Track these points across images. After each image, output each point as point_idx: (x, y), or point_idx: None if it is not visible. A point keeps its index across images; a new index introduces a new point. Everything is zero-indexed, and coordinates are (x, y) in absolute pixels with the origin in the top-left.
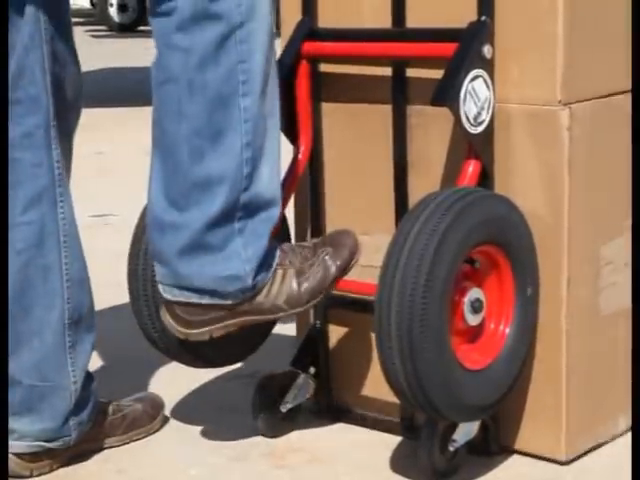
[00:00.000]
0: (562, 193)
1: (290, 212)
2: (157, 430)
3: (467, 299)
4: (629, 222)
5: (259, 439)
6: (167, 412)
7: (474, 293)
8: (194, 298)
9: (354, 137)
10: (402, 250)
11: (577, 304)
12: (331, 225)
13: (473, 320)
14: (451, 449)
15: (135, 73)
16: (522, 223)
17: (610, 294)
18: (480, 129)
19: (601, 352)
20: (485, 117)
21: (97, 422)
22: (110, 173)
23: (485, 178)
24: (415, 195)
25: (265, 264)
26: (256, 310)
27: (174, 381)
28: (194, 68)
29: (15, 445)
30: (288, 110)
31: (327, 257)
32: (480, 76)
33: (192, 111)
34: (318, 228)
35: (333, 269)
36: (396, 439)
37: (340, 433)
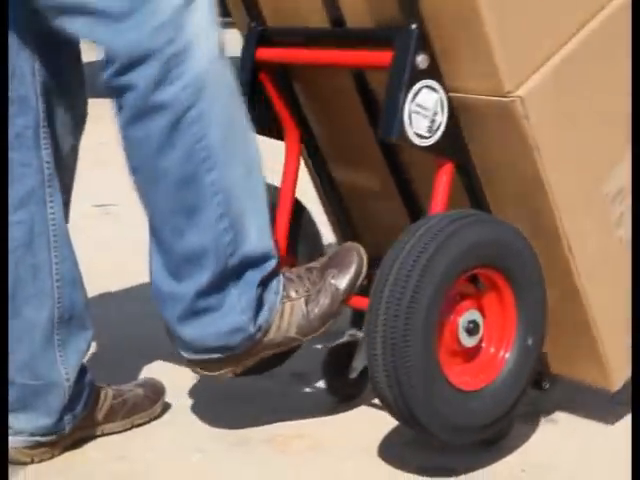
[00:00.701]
0: (539, 172)
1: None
2: (158, 415)
3: (462, 320)
4: (627, 147)
5: (260, 425)
6: (168, 399)
7: (470, 315)
8: (206, 356)
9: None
10: (390, 270)
11: (592, 256)
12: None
13: (468, 342)
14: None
15: None
16: (524, 247)
17: (626, 218)
18: (439, 133)
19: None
20: (441, 119)
21: (95, 407)
22: (111, 163)
23: (468, 177)
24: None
25: (264, 306)
26: (270, 346)
27: (175, 368)
28: (152, 157)
29: (11, 440)
30: (267, 114)
31: (333, 281)
32: (421, 87)
33: (161, 196)
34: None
35: (340, 291)
36: (399, 426)
37: (342, 419)
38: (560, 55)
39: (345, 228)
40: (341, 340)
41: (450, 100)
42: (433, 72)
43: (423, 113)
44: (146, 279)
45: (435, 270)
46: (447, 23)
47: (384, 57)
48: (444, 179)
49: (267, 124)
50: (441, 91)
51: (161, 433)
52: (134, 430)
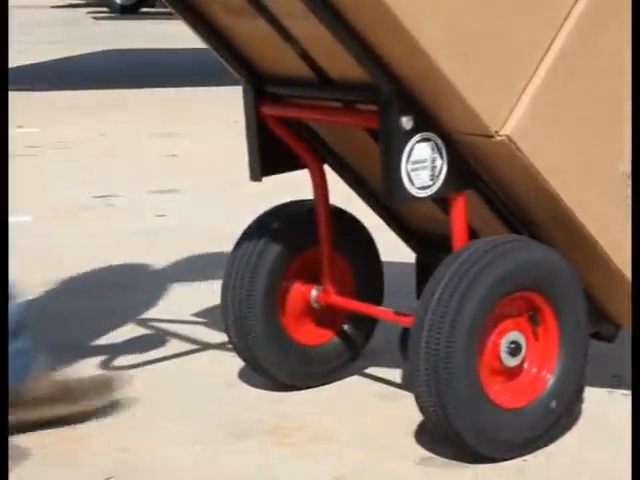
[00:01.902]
0: (550, 189)
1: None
2: (161, 409)
3: (504, 341)
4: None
5: (262, 417)
6: (171, 390)
7: (512, 336)
8: None
9: None
10: (434, 293)
11: (614, 233)
12: None
13: (510, 361)
14: None
15: (136, 55)
16: (564, 269)
17: None
18: (442, 176)
19: None
20: (440, 162)
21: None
22: (112, 154)
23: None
24: None
25: None
26: None
27: (176, 360)
28: None
29: None
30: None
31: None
32: (413, 145)
33: None
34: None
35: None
36: (401, 417)
37: (343, 410)
38: (534, 84)
39: (390, 217)
40: None
41: (447, 139)
42: (421, 125)
43: (422, 166)
44: (150, 269)
45: (475, 294)
46: (422, 84)
47: (372, 118)
48: (458, 211)
49: (284, 161)
50: (434, 137)
51: (163, 425)
52: (136, 422)
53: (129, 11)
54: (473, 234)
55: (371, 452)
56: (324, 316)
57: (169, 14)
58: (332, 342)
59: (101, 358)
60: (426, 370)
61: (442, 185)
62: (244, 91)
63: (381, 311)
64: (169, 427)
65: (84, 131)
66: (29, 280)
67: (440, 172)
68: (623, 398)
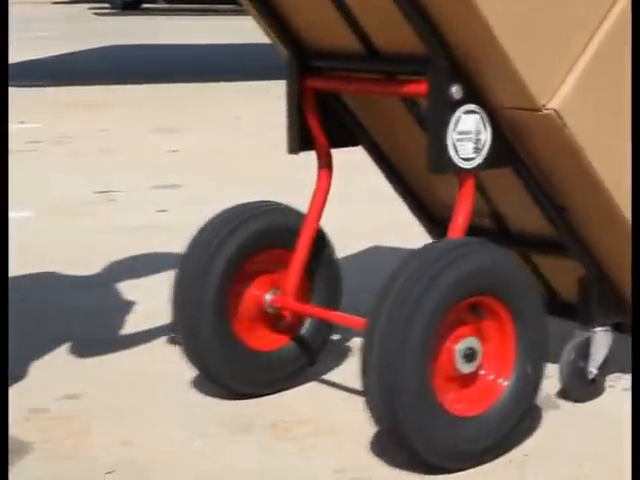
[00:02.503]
0: (587, 167)
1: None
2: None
3: (459, 347)
4: None
5: (263, 411)
6: (171, 385)
7: (468, 342)
8: None
9: None
10: (388, 296)
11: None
12: None
13: (465, 368)
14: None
15: (138, 51)
16: (521, 275)
17: None
18: (485, 150)
19: None
20: (485, 136)
21: None
22: (114, 150)
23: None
24: None
25: None
26: None
27: (178, 354)
28: None
29: None
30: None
31: None
32: (460, 116)
33: None
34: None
35: None
36: None
37: (344, 405)
38: (582, 61)
39: (416, 205)
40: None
41: (491, 114)
42: (469, 96)
43: (467, 137)
44: (152, 265)
45: (429, 299)
46: (474, 54)
47: (420, 87)
48: (467, 193)
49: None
50: (480, 110)
51: (165, 419)
52: (138, 416)
53: (130, 7)
54: (501, 220)
55: (372, 446)
56: (279, 321)
57: (170, 10)
58: (287, 347)
59: (102, 352)
60: (378, 377)
61: (485, 159)
62: (288, 65)
63: (335, 315)
64: (171, 421)
65: (85, 127)
66: (30, 275)
67: (484, 145)
68: (624, 393)
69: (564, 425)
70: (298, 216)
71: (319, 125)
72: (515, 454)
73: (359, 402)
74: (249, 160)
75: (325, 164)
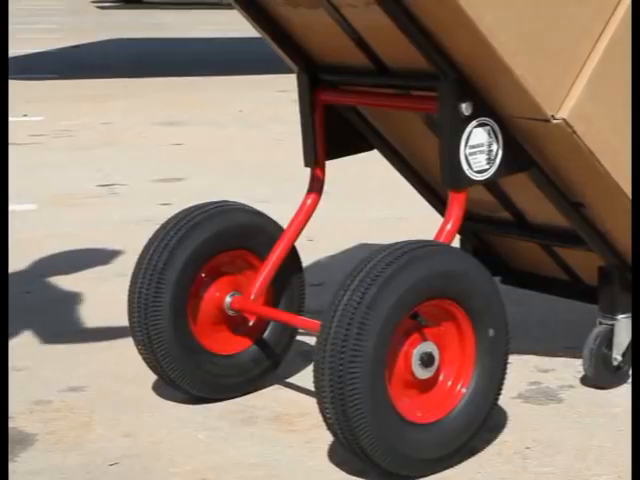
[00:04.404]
0: (599, 168)
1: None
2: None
3: (416, 352)
4: None
5: (266, 404)
6: None
7: (424, 347)
8: None
9: None
10: (342, 297)
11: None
12: None
13: (422, 374)
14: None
15: (141, 44)
16: (483, 278)
17: None
18: (498, 160)
19: None
20: (496, 147)
21: None
22: (116, 143)
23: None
24: None
25: None
26: None
27: None
28: None
29: None
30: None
31: None
32: (471, 130)
33: None
34: None
35: None
36: None
37: None
38: (588, 68)
39: (437, 200)
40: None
41: (502, 124)
42: (479, 110)
43: (479, 150)
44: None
45: (385, 302)
46: (480, 71)
47: (430, 104)
48: (459, 200)
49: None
50: (490, 122)
51: (168, 411)
52: (141, 408)
53: (133, 0)
54: (520, 214)
55: None
56: (240, 324)
57: (173, 4)
58: (249, 351)
59: (104, 344)
60: (330, 383)
61: (498, 169)
62: (299, 79)
63: (294, 318)
64: (174, 413)
65: (88, 120)
66: (33, 267)
67: (496, 156)
68: (625, 386)
69: (565, 418)
70: (256, 215)
71: (322, 141)
72: (517, 447)
73: None
74: (252, 153)
75: (316, 181)
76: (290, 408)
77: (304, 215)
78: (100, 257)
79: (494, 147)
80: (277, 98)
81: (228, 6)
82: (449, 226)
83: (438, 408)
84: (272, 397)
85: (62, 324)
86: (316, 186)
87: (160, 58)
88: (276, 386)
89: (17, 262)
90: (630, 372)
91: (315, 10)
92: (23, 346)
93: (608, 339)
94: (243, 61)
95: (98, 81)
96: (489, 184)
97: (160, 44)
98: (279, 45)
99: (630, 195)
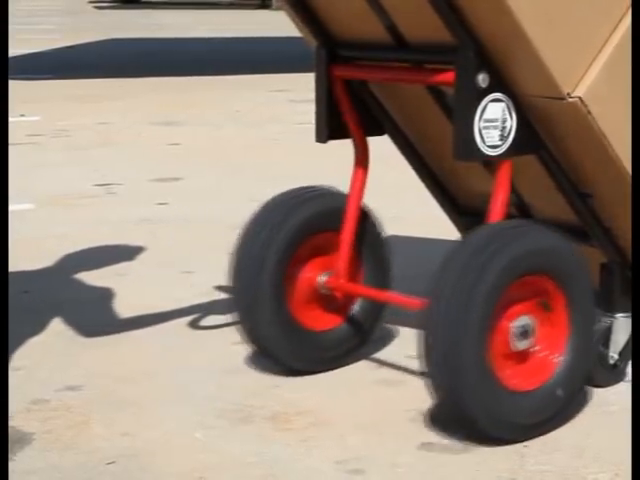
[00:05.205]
0: (609, 152)
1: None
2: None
3: (515, 325)
4: None
5: (263, 403)
6: (171, 376)
7: (523, 320)
8: None
9: None
10: (445, 280)
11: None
12: None
13: (520, 345)
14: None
15: (138, 44)
16: (574, 254)
17: None
18: (511, 137)
19: None
20: (510, 124)
21: None
22: (114, 143)
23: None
24: None
25: None
26: None
27: (178, 346)
28: None
29: None
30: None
31: None
32: (486, 104)
33: None
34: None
35: None
36: (400, 402)
37: (344, 396)
38: (606, 50)
39: (440, 192)
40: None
41: (517, 102)
42: (495, 84)
43: (493, 125)
44: (152, 257)
45: (486, 280)
46: (501, 44)
47: (447, 76)
48: (503, 179)
49: (341, 128)
50: (506, 98)
51: (165, 410)
52: (138, 407)
53: (130, 0)
54: (526, 209)
55: (372, 437)
56: (332, 302)
57: (170, 3)
58: (341, 328)
59: (101, 344)
60: (438, 355)
61: (510, 146)
62: (317, 54)
63: (392, 296)
64: (171, 412)
65: (85, 119)
66: (30, 267)
67: (509, 133)
68: (623, 384)
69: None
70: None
71: (353, 113)
72: (515, 445)
73: (358, 394)
74: (249, 153)
75: (361, 151)
76: (287, 407)
77: (358, 189)
78: (97, 257)
79: (508, 124)
80: (274, 98)
81: (226, 6)
82: (499, 205)
83: (535, 377)
84: (269, 396)
85: (59, 324)
86: (361, 157)
87: (157, 58)
88: (273, 385)
89: (14, 262)
90: (626, 370)
91: None
92: (20, 346)
93: (605, 337)
94: (240, 61)
95: (95, 81)
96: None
97: (157, 44)
98: (299, 16)
99: None
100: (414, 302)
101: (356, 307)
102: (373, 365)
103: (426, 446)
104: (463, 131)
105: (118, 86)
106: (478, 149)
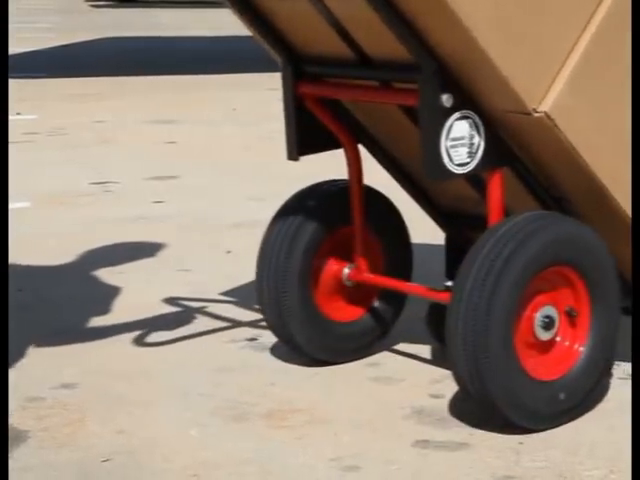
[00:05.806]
0: (580, 162)
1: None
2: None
3: (539, 315)
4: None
5: (259, 400)
6: (167, 374)
7: (546, 310)
8: None
9: None
10: (472, 266)
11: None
12: None
13: (544, 335)
14: None
15: (135, 43)
16: (598, 245)
17: None
18: (480, 153)
19: None
20: (478, 140)
21: None
22: (110, 141)
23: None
24: None
25: None
26: None
27: (173, 344)
28: None
29: None
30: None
31: None
32: (452, 122)
33: None
34: None
35: None
36: (395, 399)
37: (339, 394)
38: (570, 63)
39: (421, 196)
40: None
41: (485, 117)
42: (460, 102)
43: (460, 143)
44: (148, 255)
45: (511, 271)
46: (462, 63)
47: (411, 96)
48: (495, 187)
49: (318, 141)
50: (472, 115)
51: (160, 408)
52: (134, 405)
53: None
54: (505, 211)
55: (367, 434)
56: (356, 294)
57: (167, 2)
58: (363, 319)
59: (97, 342)
60: (464, 344)
61: (479, 162)
62: (283, 71)
63: (415, 288)
64: (167, 410)
65: (82, 118)
66: (26, 265)
67: (478, 149)
68: (620, 382)
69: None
70: (372, 194)
71: (337, 123)
72: (510, 442)
73: (353, 391)
74: (246, 151)
75: (353, 158)
76: (282, 404)
77: (357, 187)
78: (93, 255)
79: (476, 140)
80: (270, 96)
81: (221, 5)
82: (496, 207)
83: (558, 366)
84: (264, 394)
85: (55, 322)
86: (354, 165)
87: (153, 56)
88: (268, 383)
89: (10, 259)
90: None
91: (299, 2)
92: (16, 344)
93: None
94: (236, 59)
95: (92, 80)
96: (471, 179)
97: (154, 42)
98: (264, 38)
99: (614, 194)
100: (439, 294)
101: (378, 299)
102: (368, 363)
103: (421, 443)
104: (430, 152)
105: (115, 85)
106: (446, 168)
